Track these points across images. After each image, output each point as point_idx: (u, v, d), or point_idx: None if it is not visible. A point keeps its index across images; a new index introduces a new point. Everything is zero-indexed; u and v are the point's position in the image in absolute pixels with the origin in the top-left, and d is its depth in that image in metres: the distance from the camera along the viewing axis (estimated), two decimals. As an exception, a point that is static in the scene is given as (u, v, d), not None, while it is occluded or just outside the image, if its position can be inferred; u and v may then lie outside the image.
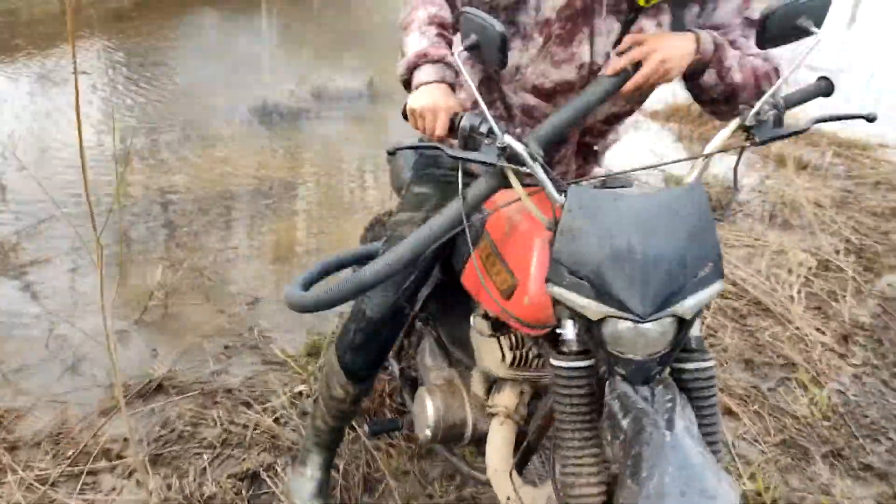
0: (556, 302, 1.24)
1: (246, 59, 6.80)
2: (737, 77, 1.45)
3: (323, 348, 2.58)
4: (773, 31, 1.33)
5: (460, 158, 1.33)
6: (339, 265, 2.04)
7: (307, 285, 1.80)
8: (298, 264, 3.45)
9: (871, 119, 1.43)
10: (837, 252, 3.51)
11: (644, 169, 1.62)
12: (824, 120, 1.44)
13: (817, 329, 2.90)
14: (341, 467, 2.09)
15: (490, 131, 1.30)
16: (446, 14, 1.47)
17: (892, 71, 6.57)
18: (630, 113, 1.64)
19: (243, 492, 2.01)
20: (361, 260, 2.13)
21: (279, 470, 2.10)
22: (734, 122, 1.39)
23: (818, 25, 1.32)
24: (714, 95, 1.49)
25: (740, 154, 1.42)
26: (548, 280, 1.21)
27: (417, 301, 1.84)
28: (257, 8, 6.62)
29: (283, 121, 5.45)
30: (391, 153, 1.40)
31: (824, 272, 3.33)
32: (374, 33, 8.55)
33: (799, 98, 1.43)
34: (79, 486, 2.02)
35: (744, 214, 3.95)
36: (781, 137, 1.39)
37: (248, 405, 2.38)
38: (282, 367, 2.61)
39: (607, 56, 1.48)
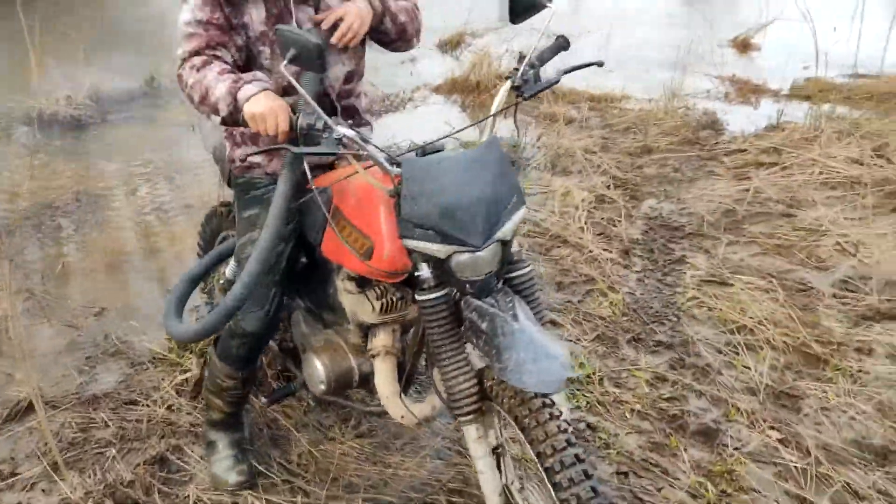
0: (409, 251, 1.58)
1: (3, 66, 6.20)
2: (402, 17, 1.94)
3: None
4: (519, 9, 1.80)
5: (308, 153, 1.58)
6: (198, 278, 2.23)
7: (179, 308, 2.01)
8: (133, 268, 3.44)
9: (600, 64, 1.90)
10: (608, 187, 4.27)
11: (450, 135, 2.03)
12: (569, 71, 1.85)
13: (604, 249, 3.58)
14: (248, 437, 2.27)
15: (325, 126, 1.56)
16: (228, 64, 1.77)
17: (622, 32, 7.76)
18: (360, 70, 2.01)
19: (157, 475, 2.12)
20: (214, 265, 2.30)
21: (186, 450, 2.23)
22: (506, 84, 1.82)
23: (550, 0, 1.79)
24: (393, 37, 1.96)
25: (516, 108, 1.85)
26: (401, 236, 1.55)
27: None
28: (6, 4, 6.02)
29: (69, 131, 5.13)
30: (242, 160, 1.64)
31: (601, 204, 4.06)
32: (139, 28, 8.12)
33: (547, 55, 1.86)
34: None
35: (531, 167, 4.60)
36: (543, 89, 1.84)
37: (133, 402, 2.45)
38: (154, 365, 2.68)
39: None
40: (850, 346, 2.79)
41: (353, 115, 2.02)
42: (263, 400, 2.37)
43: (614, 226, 3.83)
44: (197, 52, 1.76)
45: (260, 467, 2.14)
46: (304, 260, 2.10)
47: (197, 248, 2.80)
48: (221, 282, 2.55)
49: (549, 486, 1.44)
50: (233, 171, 2.07)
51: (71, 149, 4.84)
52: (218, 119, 1.73)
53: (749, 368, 2.66)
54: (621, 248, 3.61)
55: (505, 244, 1.56)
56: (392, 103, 6.00)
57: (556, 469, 1.41)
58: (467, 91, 6.42)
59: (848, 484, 2.13)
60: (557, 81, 1.88)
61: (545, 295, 3.16)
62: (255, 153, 1.76)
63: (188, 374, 2.48)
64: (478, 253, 1.50)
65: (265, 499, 2.02)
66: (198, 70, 1.73)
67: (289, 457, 2.22)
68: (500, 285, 1.60)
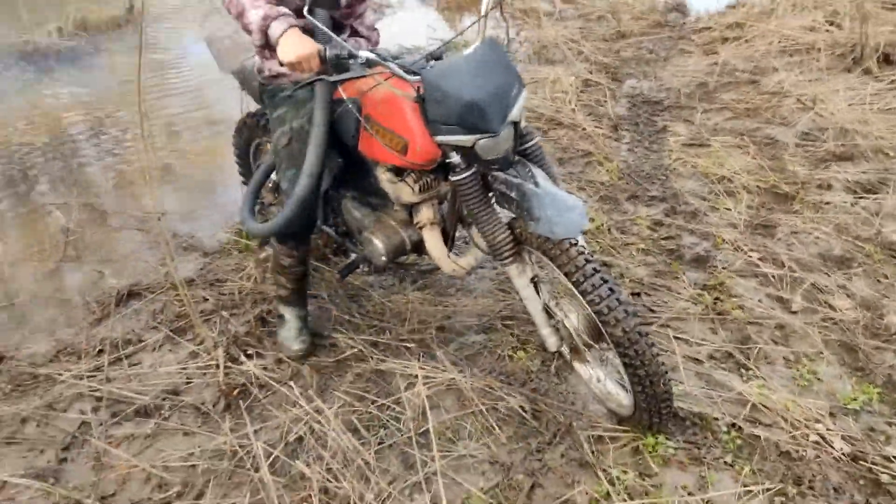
0: (439, 144, 1.93)
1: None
2: None
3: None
4: None
5: (344, 80, 1.89)
6: (259, 185, 2.59)
7: (251, 212, 2.39)
8: (179, 176, 3.77)
9: None
10: (591, 72, 4.66)
11: (448, 42, 2.32)
12: None
13: (595, 126, 4.01)
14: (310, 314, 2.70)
15: (350, 54, 1.86)
16: None
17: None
18: None
19: (261, 329, 2.57)
20: (268, 173, 2.63)
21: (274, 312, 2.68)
22: None
23: None
24: None
25: (502, 5, 2.11)
26: (432, 134, 1.89)
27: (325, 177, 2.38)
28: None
29: (65, 61, 5.27)
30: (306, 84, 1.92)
31: (587, 87, 4.46)
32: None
33: None
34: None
35: (518, 62, 4.93)
36: None
37: (221, 281, 2.87)
38: (228, 253, 3.08)
39: None
40: (812, 184, 3.32)
41: (358, 31, 2.31)
42: (337, 274, 2.80)
43: (601, 105, 4.24)
44: None
45: (344, 316, 2.61)
46: (340, 160, 2.45)
47: (234, 157, 3.15)
48: (270, 185, 2.93)
49: (578, 293, 1.89)
50: (262, 80, 2.35)
51: (81, 79, 5.02)
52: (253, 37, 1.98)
53: (730, 209, 3.18)
54: (610, 125, 4.04)
55: (516, 124, 1.93)
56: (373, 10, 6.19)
57: (581, 280, 1.85)
58: (443, -6, 6.62)
59: (814, 283, 2.68)
60: None
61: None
62: (300, 85, 1.98)
63: (264, 253, 2.90)
64: (498, 136, 1.87)
65: (358, 338, 2.49)
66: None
67: (366, 308, 2.69)
68: (516, 158, 1.99)
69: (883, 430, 2.06)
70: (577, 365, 2.23)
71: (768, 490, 1.86)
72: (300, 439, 2.10)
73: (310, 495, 1.90)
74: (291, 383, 2.28)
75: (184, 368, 2.43)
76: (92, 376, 2.39)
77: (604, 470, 1.93)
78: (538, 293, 2.13)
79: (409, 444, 2.05)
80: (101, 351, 2.52)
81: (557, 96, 4.31)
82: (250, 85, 2.59)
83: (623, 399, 2.05)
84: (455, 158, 1.94)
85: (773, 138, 3.74)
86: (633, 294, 2.69)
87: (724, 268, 2.80)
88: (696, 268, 2.83)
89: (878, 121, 3.80)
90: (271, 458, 2.02)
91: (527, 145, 2.03)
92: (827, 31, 4.85)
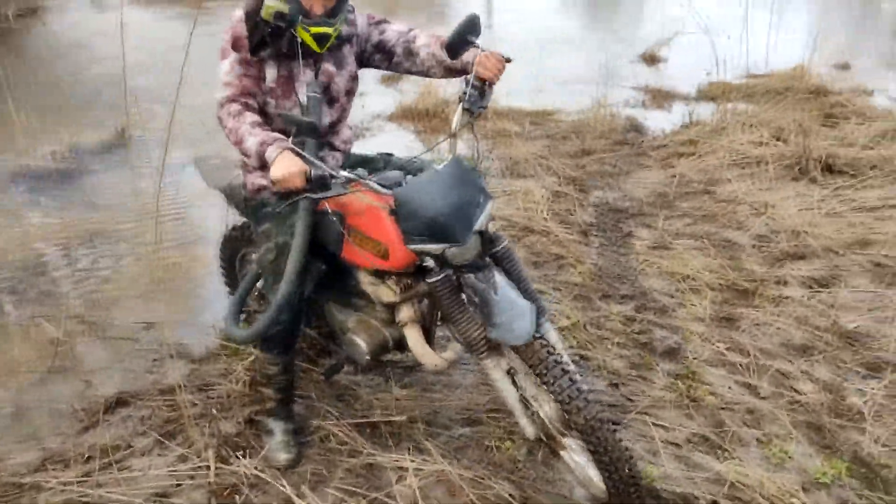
0: (415, 251, 2.11)
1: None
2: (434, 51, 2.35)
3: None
4: (456, 48, 2.26)
5: (326, 197, 2.09)
6: (245, 294, 2.75)
7: (236, 319, 2.53)
8: (166, 289, 3.89)
9: (508, 60, 2.28)
10: (559, 184, 4.99)
11: (420, 155, 2.55)
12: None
13: (566, 233, 4.26)
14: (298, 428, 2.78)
15: (332, 175, 2.06)
16: (257, 117, 2.23)
17: (540, 57, 8.63)
18: (343, 116, 2.45)
19: (251, 430, 2.62)
20: (253, 283, 2.79)
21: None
22: (459, 106, 2.27)
23: (477, 37, 2.27)
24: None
25: (473, 125, 2.28)
26: (405, 243, 2.09)
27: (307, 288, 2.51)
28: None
29: (60, 183, 5.48)
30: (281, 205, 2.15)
31: (557, 198, 4.76)
32: (97, 86, 8.44)
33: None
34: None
35: (491, 176, 5.28)
36: (487, 104, 2.26)
37: (209, 385, 2.93)
38: (216, 359, 3.16)
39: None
40: (770, 281, 3.56)
41: (335, 146, 2.53)
42: (322, 375, 2.89)
43: (571, 214, 4.53)
44: (233, 99, 2.24)
45: (332, 412, 2.67)
46: (323, 267, 2.58)
47: (220, 270, 3.31)
48: (256, 294, 3.07)
49: (542, 384, 2.04)
50: (246, 195, 2.55)
51: (70, 198, 5.21)
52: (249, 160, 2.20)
53: (695, 305, 3.38)
54: (580, 231, 4.31)
55: (482, 233, 2.13)
56: (354, 133, 6.59)
57: (543, 372, 2.01)
58: (418, 118, 7.09)
59: (779, 370, 2.84)
60: (490, 94, 2.29)
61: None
62: (288, 203, 2.14)
63: (252, 357, 2.98)
64: (465, 245, 2.06)
65: (348, 432, 2.55)
66: (234, 118, 2.20)
67: (354, 407, 2.76)
68: (486, 261, 2.17)
69: (854, 501, 2.16)
70: (561, 453, 2.31)
71: (752, 563, 1.92)
72: (292, 536, 2.12)
73: (305, 588, 1.91)
74: (284, 481, 2.31)
75: (174, 471, 2.46)
76: (81, 482, 2.40)
77: (593, 551, 1.98)
78: (515, 384, 2.25)
79: (402, 536, 2.08)
80: (89, 458, 2.54)
81: (529, 206, 4.60)
82: (236, 199, 2.78)
83: (601, 484, 2.13)
84: (429, 263, 2.13)
85: (731, 241, 4.02)
86: (611, 384, 2.81)
87: (694, 358, 2.95)
88: (668, 359, 2.98)
89: (825, 223, 4.12)
90: (263, 555, 2.04)
91: (496, 248, 2.21)
92: (774, 145, 5.30)
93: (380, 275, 2.34)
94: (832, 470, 2.27)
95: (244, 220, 3.08)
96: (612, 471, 1.95)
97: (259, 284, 2.96)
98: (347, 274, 2.48)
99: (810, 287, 3.50)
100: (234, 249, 3.15)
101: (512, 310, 2.01)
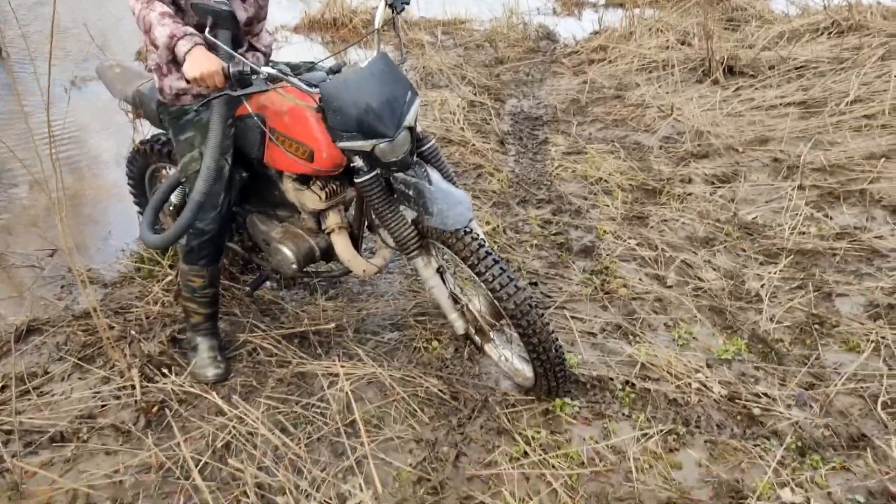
0: (343, 150, 2.09)
1: None
2: None
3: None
4: None
5: (246, 94, 1.97)
6: (160, 203, 2.54)
7: (151, 227, 2.41)
8: (72, 213, 3.68)
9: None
10: (475, 94, 4.97)
11: (339, 52, 2.52)
12: None
13: (483, 142, 4.28)
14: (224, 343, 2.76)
15: (253, 70, 1.96)
16: (167, 7, 2.06)
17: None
18: (260, 15, 2.30)
19: (174, 349, 2.58)
20: (171, 191, 2.62)
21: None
22: (382, 3, 2.24)
23: None
24: None
25: (396, 21, 2.27)
26: (334, 140, 2.04)
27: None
28: None
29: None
30: (200, 106, 2.01)
31: (473, 108, 4.75)
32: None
33: None
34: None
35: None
36: (408, 2, 2.28)
37: (126, 308, 2.84)
38: (129, 282, 3.05)
39: None
40: (676, 179, 3.73)
41: (255, 47, 2.39)
42: (246, 289, 2.85)
43: (487, 123, 4.54)
44: None
45: (259, 325, 2.67)
46: (244, 174, 2.51)
47: (129, 188, 3.15)
48: (171, 208, 2.96)
49: (475, 275, 2.08)
50: (163, 101, 2.37)
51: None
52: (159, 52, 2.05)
53: (608, 205, 3.51)
54: (497, 140, 4.34)
55: (411, 129, 2.10)
56: (259, 46, 6.28)
57: (475, 263, 2.05)
58: (325, 28, 6.81)
59: (684, 261, 3.03)
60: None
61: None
62: (204, 101, 2.01)
63: (170, 277, 2.91)
64: (395, 140, 2.03)
65: (277, 343, 2.55)
66: (143, 4, 2.03)
67: (280, 320, 2.76)
68: (414, 159, 2.16)
69: (752, 374, 2.38)
70: (486, 347, 2.41)
71: (661, 431, 2.10)
72: (227, 445, 2.14)
73: (245, 491, 1.95)
74: (213, 394, 2.31)
75: (97, 393, 2.40)
76: (-2, 411, 2.32)
77: (520, 433, 2.11)
78: (444, 282, 2.30)
79: (338, 435, 2.14)
80: (4, 387, 2.45)
81: (446, 117, 4.57)
82: (148, 108, 2.62)
83: (527, 371, 2.25)
84: (358, 162, 2.09)
85: (640, 143, 4.15)
86: (531, 283, 2.92)
87: (607, 255, 3.10)
88: (583, 257, 3.11)
89: (727, 123, 4.32)
90: (200, 465, 2.05)
91: (423, 147, 2.20)
92: (679, 49, 5.43)
93: (304, 180, 2.29)
94: (732, 347, 2.48)
95: (153, 133, 2.92)
96: (540, 352, 2.06)
97: (174, 198, 2.85)
98: (270, 183, 2.42)
99: (713, 183, 3.69)
100: (143, 165, 2.99)
101: (448, 198, 2.02)
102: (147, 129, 3.04)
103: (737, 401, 2.24)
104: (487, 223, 3.36)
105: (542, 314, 2.07)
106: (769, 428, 2.14)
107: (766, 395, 2.26)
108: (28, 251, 3.34)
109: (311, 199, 2.31)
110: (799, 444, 2.08)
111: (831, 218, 3.33)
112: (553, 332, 2.09)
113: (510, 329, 2.23)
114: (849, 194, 3.50)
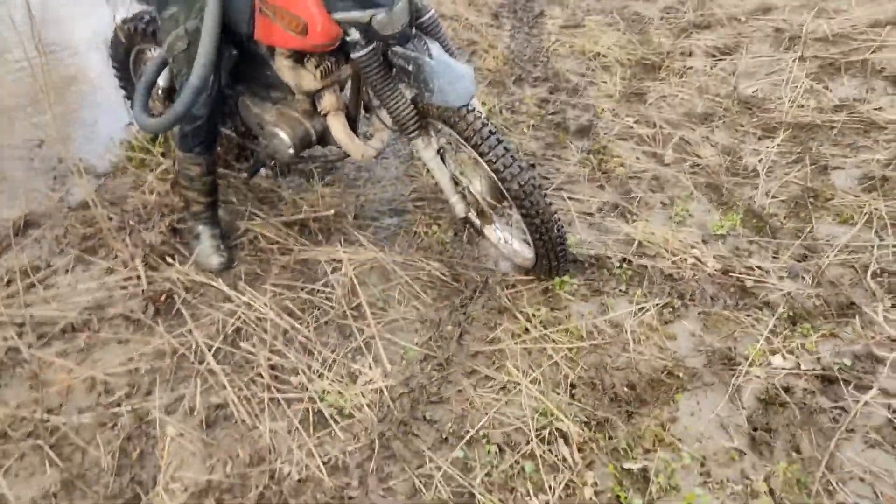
0: (338, 22, 1.98)
1: None
2: None
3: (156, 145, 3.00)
4: None
5: None
6: (151, 82, 2.45)
7: (145, 108, 2.29)
8: (56, 101, 3.56)
9: None
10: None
11: None
12: None
13: (477, 16, 4.11)
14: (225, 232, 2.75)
15: None
16: None
17: None
18: None
19: (176, 239, 2.59)
20: (159, 72, 2.51)
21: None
22: None
23: None
24: None
25: None
26: (329, 11, 1.93)
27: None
28: None
29: None
30: None
31: (464, -21, 4.52)
32: None
33: None
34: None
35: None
36: None
37: (123, 198, 2.82)
38: (123, 172, 3.01)
39: None
40: (676, 53, 3.62)
41: None
42: (243, 175, 2.82)
43: (479, -4, 4.34)
44: None
45: (258, 213, 2.67)
46: (234, 52, 2.44)
47: (114, 72, 3.02)
48: (159, 92, 2.86)
49: (477, 155, 2.05)
50: None
51: None
52: None
53: (606, 82, 3.43)
54: (491, 13, 4.16)
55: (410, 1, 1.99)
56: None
57: (479, 142, 2.02)
58: None
59: (682, 137, 3.01)
60: None
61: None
62: None
63: (164, 165, 2.87)
64: (392, 10, 1.93)
65: (278, 230, 2.57)
66: None
67: (278, 208, 2.75)
68: (413, 32, 2.06)
69: (745, 248, 2.43)
70: (486, 230, 2.43)
71: (657, 305, 2.18)
72: (238, 330, 2.20)
73: (259, 373, 2.03)
74: (220, 281, 2.35)
75: (103, 284, 2.44)
76: (7, 305, 2.36)
77: (520, 311, 2.18)
78: (445, 164, 2.28)
79: (345, 318, 2.21)
80: (10, 281, 2.47)
81: (438, -6, 4.36)
82: None
83: (527, 253, 2.28)
84: (354, 35, 1.99)
85: (640, 14, 4.00)
86: (529, 165, 2.90)
87: (605, 134, 3.06)
88: (581, 137, 3.08)
89: (729, -9, 4.14)
90: (213, 350, 2.12)
91: (423, 18, 2.09)
92: None
93: (299, 58, 2.19)
94: (728, 222, 2.52)
95: (137, 9, 2.77)
96: (542, 233, 2.08)
97: (162, 81, 2.74)
98: (262, 62, 2.31)
99: (713, 56, 3.60)
100: (126, 48, 2.85)
101: (450, 72, 1.95)
102: (129, 6, 2.89)
103: (730, 274, 2.30)
104: (483, 104, 3.28)
105: (546, 194, 2.07)
106: (761, 299, 2.22)
107: (759, 267, 2.32)
108: (14, 142, 3.27)
109: (305, 78, 2.22)
110: (790, 313, 2.16)
111: (831, 90, 3.28)
112: (556, 213, 2.10)
113: (511, 211, 2.24)
114: (850, 65, 3.43)
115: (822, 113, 3.11)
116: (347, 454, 1.82)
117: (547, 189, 2.73)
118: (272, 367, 2.05)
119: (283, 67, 2.23)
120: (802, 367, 1.99)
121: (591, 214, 2.62)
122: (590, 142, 3.03)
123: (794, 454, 1.78)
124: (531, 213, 2.05)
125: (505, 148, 2.03)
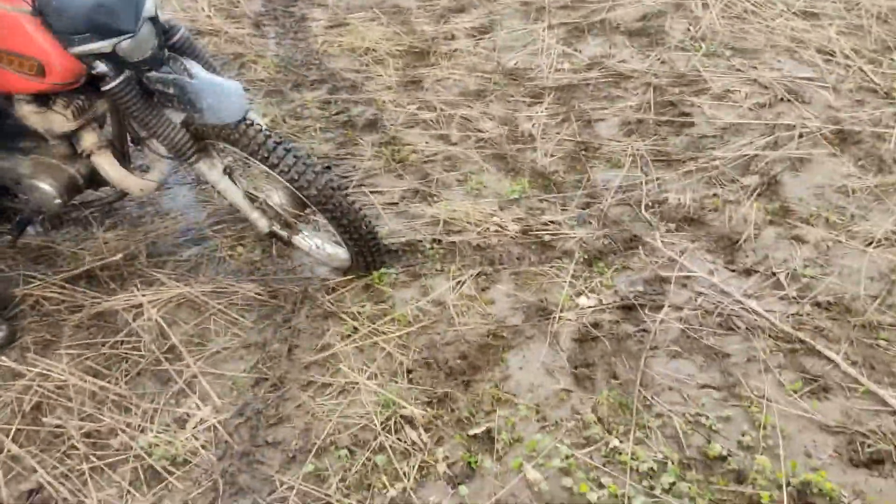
0: (79, 56, 1.82)
1: None
2: None
3: None
4: None
5: None
6: None
7: None
8: None
9: None
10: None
11: None
12: None
13: (236, 27, 3.98)
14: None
15: None
16: None
17: None
18: None
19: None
20: None
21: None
22: None
23: None
24: None
25: None
26: (65, 47, 1.78)
27: None
28: None
29: None
30: None
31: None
32: None
33: None
34: None
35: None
36: None
37: None
38: None
39: None
40: (440, 38, 3.78)
41: None
42: (7, 239, 2.49)
43: (236, 6, 4.20)
44: None
45: (34, 276, 2.39)
46: None
47: None
48: None
49: (268, 168, 1.99)
50: None
51: None
52: None
53: (382, 75, 3.50)
54: (251, 24, 4.05)
55: (154, 20, 1.87)
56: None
57: (266, 156, 1.96)
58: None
59: (463, 116, 3.16)
60: None
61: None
62: None
63: None
64: (137, 35, 1.80)
65: (63, 292, 2.32)
66: None
67: (58, 264, 2.48)
68: (167, 54, 1.95)
69: (537, 206, 2.62)
70: (295, 240, 2.38)
71: (472, 276, 2.28)
72: (38, 405, 1.96)
73: (73, 445, 1.83)
74: (4, 357, 2.08)
75: None
76: None
77: (345, 312, 2.18)
78: (235, 182, 2.20)
79: (158, 364, 2.06)
80: None
81: (189, 6, 4.15)
82: None
83: (342, 254, 2.28)
84: (102, 67, 1.84)
85: (398, 6, 4.12)
86: (325, 168, 2.88)
87: (391, 125, 3.13)
88: (370, 131, 3.11)
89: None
90: (11, 434, 1.88)
91: (174, 39, 1.99)
92: None
93: (44, 101, 1.99)
94: (518, 186, 2.70)
95: None
96: (352, 232, 2.08)
97: None
98: (2, 112, 2.07)
99: (474, 36, 3.81)
100: None
101: (217, 89, 1.86)
102: None
103: (529, 233, 2.46)
104: (264, 115, 3.20)
105: (347, 194, 2.07)
106: (560, 249, 2.41)
107: (552, 222, 2.52)
108: None
109: (56, 120, 2.02)
110: (585, 256, 2.37)
111: (581, 51, 3.61)
112: (361, 209, 2.11)
113: (316, 216, 2.21)
114: (592, 26, 3.80)
115: (578, 73, 3.43)
116: (191, 503, 1.70)
117: (348, 188, 2.73)
118: (87, 436, 1.86)
119: (27, 114, 2.02)
120: (604, 301, 2.19)
121: (395, 204, 2.67)
122: (379, 135, 3.08)
123: (612, 381, 1.96)
124: (336, 214, 2.04)
125: (295, 156, 1.99)
